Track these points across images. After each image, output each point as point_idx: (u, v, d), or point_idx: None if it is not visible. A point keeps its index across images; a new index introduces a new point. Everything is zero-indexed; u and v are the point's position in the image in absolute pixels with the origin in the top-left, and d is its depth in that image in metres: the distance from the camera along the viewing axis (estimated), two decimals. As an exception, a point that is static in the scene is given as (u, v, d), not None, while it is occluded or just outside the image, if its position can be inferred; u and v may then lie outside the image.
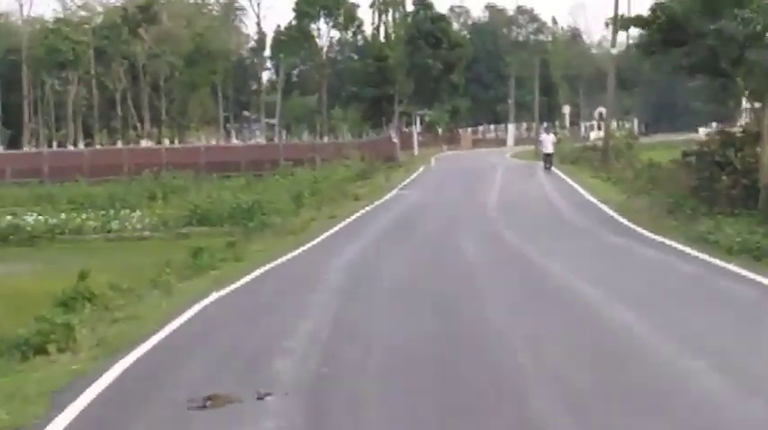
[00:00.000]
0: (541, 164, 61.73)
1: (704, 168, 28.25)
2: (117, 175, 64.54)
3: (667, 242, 22.52)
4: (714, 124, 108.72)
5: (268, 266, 21.37)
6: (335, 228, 29.83)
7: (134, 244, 32.74)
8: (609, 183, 43.78)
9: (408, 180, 52.55)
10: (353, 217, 33.55)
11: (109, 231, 36.61)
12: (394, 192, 44.77)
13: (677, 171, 32.29)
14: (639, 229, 25.56)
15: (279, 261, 22.33)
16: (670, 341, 12.02)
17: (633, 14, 34.69)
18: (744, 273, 17.36)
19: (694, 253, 20.38)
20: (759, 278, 16.69)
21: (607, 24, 50.61)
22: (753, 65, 25.04)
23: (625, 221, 28.01)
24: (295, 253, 23.88)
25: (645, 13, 28.59)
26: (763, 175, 25.32)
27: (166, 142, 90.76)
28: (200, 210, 37.57)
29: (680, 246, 21.53)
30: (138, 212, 40.69)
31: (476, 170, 58.20)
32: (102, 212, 40.75)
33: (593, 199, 36.07)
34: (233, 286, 18.57)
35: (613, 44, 52.90)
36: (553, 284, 17.48)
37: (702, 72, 26.16)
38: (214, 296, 17.37)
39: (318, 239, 26.85)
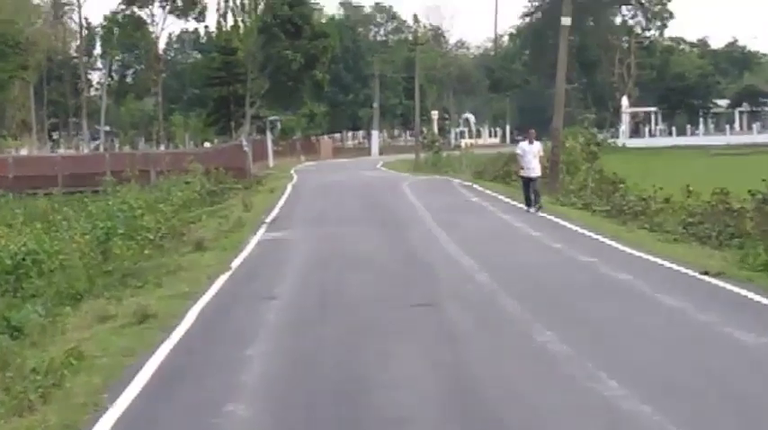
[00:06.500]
0: (453, 181, 43.01)
1: None
2: None
3: None
4: (595, 130, 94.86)
5: None
6: (139, 384, 10.19)
7: None
8: (607, 218, 25.46)
9: (278, 208, 32.71)
10: (188, 321, 13.47)
11: None
12: (261, 232, 25.17)
13: None
14: None
15: None
16: None
17: None
18: None
19: None
20: None
21: None
22: None
23: None
24: None
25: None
26: None
27: (-26, 153, 71.05)
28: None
29: None
30: None
31: (367, 191, 39.14)
32: None
33: (689, 271, 16.50)
34: None
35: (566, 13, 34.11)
36: None
37: None
38: None
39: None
